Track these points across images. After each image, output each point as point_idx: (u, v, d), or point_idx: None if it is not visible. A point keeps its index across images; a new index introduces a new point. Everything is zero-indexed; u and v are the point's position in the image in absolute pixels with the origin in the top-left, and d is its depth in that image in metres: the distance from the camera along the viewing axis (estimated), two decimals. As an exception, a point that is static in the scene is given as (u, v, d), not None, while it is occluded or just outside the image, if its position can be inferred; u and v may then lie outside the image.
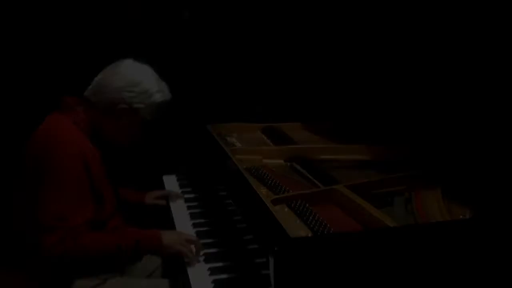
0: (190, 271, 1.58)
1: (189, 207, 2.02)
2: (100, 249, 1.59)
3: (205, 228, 1.84)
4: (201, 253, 1.66)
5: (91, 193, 1.60)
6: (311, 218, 1.48)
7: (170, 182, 2.27)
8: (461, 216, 1.52)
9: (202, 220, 1.90)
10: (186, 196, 2.12)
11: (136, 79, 1.69)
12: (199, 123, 2.32)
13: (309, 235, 1.41)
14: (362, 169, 1.97)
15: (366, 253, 1.25)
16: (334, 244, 1.26)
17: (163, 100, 1.74)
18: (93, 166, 1.63)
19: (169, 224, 1.97)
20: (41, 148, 1.59)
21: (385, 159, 2.01)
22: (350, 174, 1.91)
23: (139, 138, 1.80)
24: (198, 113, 2.49)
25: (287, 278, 1.19)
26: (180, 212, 2.00)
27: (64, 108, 1.71)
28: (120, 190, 2.01)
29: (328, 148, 2.12)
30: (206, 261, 1.62)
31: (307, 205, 1.56)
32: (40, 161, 1.57)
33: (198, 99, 3.36)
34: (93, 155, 1.65)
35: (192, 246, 1.66)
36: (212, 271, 1.56)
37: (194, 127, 2.30)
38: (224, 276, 1.53)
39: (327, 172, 1.87)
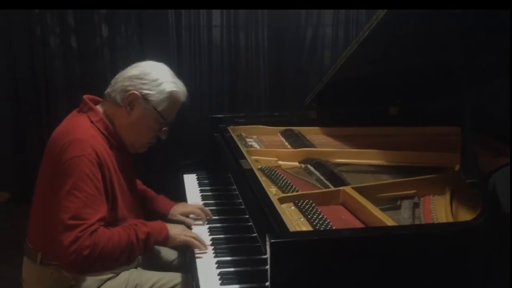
0: (199, 263, 1.65)
1: (205, 205, 2.08)
2: (115, 243, 1.59)
3: (218, 224, 1.90)
4: (205, 245, 1.72)
5: (105, 194, 1.64)
6: (315, 216, 1.52)
7: (190, 181, 2.34)
8: (465, 221, 1.53)
9: (216, 217, 1.97)
10: (203, 194, 2.19)
11: (150, 69, 1.77)
12: (221, 123, 2.39)
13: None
14: (376, 173, 1.99)
15: (361, 251, 1.28)
16: (330, 239, 1.29)
17: (174, 90, 1.77)
18: (107, 167, 1.67)
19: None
20: (57, 148, 1.62)
21: (402, 164, 2.03)
22: (363, 178, 1.94)
23: (153, 140, 1.84)
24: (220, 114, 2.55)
25: (282, 272, 1.22)
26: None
27: (83, 107, 1.76)
28: (149, 197, 2.06)
29: (344, 152, 2.15)
30: (215, 255, 1.69)
31: (314, 204, 1.60)
32: (56, 161, 1.60)
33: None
34: (108, 156, 1.69)
35: (196, 235, 1.73)
36: (220, 264, 1.62)
37: (216, 127, 2.36)
38: (230, 269, 1.59)
39: (340, 175, 1.90)
